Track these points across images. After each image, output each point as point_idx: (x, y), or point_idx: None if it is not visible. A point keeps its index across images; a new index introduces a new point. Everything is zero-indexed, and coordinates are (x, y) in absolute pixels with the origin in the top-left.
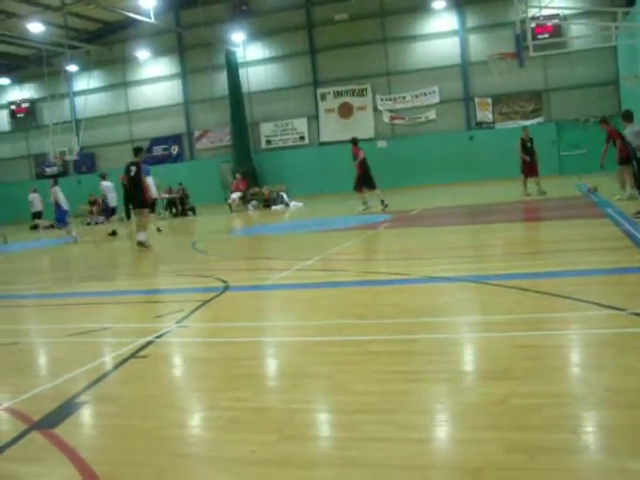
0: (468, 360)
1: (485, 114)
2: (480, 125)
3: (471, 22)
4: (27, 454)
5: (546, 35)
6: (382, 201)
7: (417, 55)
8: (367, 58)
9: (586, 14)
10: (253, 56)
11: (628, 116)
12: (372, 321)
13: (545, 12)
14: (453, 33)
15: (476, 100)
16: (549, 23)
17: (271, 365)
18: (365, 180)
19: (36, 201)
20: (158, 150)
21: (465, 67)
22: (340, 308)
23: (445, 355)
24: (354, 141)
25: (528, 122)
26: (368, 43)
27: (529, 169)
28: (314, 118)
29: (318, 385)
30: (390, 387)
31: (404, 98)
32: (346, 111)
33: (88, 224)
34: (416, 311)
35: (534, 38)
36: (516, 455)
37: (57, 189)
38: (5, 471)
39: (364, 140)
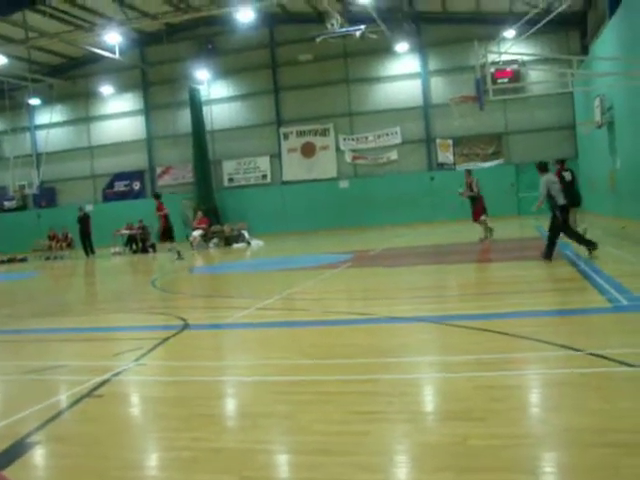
0: (428, 401)
1: (446, 155)
2: (441, 166)
3: (433, 65)
4: None
5: (506, 80)
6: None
7: (380, 96)
8: (330, 98)
9: (544, 60)
10: (217, 94)
11: (542, 167)
12: (332, 361)
13: (505, 57)
14: (415, 75)
15: (437, 141)
16: (508, 68)
17: (230, 405)
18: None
19: None
20: (120, 186)
21: (427, 109)
22: (300, 348)
23: (406, 396)
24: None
25: (487, 164)
26: (331, 83)
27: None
28: (277, 157)
29: (278, 425)
30: (350, 427)
31: (366, 138)
32: (309, 150)
33: (47, 258)
34: (376, 351)
35: (494, 82)
36: None
37: None
38: None
39: (326, 180)
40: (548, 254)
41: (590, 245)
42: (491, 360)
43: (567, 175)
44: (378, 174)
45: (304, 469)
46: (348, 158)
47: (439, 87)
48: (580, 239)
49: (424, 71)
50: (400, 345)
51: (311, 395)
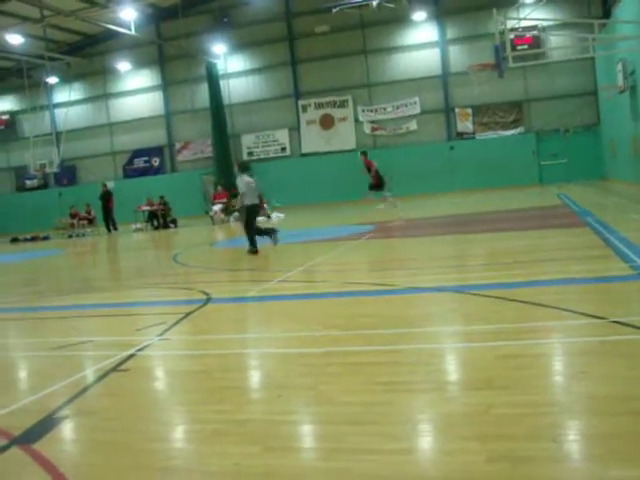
0: (451, 370)
1: (465, 124)
2: (461, 135)
3: (451, 33)
4: (7, 470)
5: (525, 46)
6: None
7: (398, 66)
8: (348, 69)
9: (564, 25)
10: (234, 68)
11: (242, 166)
12: (355, 332)
13: (524, 24)
14: (433, 44)
15: (456, 111)
16: (528, 34)
17: (254, 377)
18: (378, 187)
19: None
20: (139, 162)
21: (445, 78)
22: (323, 319)
23: (428, 365)
24: (364, 153)
25: (508, 132)
26: (349, 55)
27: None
28: (295, 129)
29: (302, 396)
30: (374, 398)
31: (385, 109)
32: (327, 122)
33: (70, 236)
34: (399, 321)
35: (513, 49)
36: (499, 464)
37: None
38: None
39: (345, 151)
40: (253, 248)
41: (270, 233)
42: (513, 329)
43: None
44: (397, 145)
45: (329, 440)
46: (367, 129)
47: (457, 55)
48: (252, 240)
49: (442, 40)
50: (422, 315)
51: (335, 366)
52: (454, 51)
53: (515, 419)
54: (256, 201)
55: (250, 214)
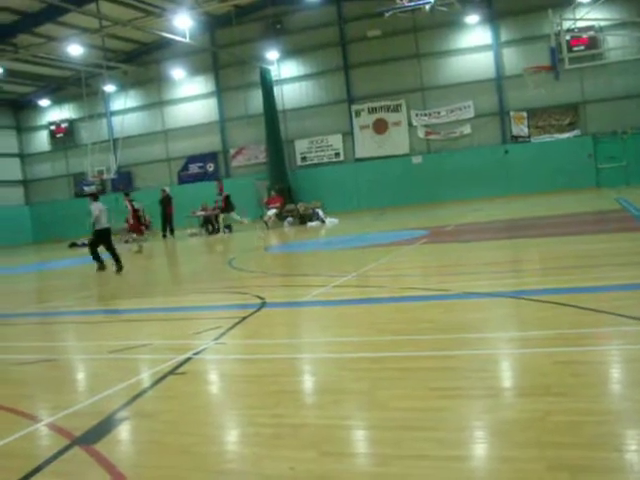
0: (507, 376)
1: (520, 128)
2: (515, 139)
3: (505, 36)
4: (69, 469)
5: (582, 47)
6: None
7: (451, 70)
8: (401, 74)
9: (622, 25)
10: (287, 73)
11: (94, 196)
12: (410, 337)
13: (580, 24)
14: (487, 47)
15: (511, 114)
16: (585, 35)
17: (309, 382)
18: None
19: None
20: (194, 168)
21: (500, 81)
22: (377, 324)
23: (484, 371)
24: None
25: (564, 135)
26: (402, 59)
27: None
28: (349, 134)
29: (357, 401)
30: (429, 403)
31: (439, 113)
32: (381, 127)
33: (126, 242)
34: (454, 327)
35: (570, 50)
36: (558, 473)
37: None
38: None
39: (399, 156)
40: (99, 264)
41: (100, 265)
42: (570, 335)
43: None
44: (451, 149)
45: (383, 445)
46: (421, 133)
47: (512, 58)
48: (96, 258)
49: (496, 42)
50: (477, 320)
51: (389, 371)
52: (508, 54)
53: (574, 427)
54: (107, 225)
55: (100, 237)
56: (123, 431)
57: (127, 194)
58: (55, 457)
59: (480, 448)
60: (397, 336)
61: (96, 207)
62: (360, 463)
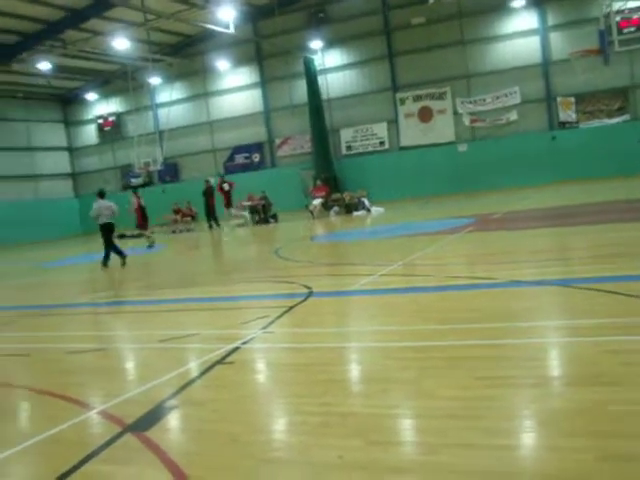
0: (556, 365)
1: (568, 114)
2: (563, 125)
3: (552, 20)
4: (122, 456)
5: (632, 29)
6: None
7: (497, 56)
8: (446, 61)
9: None
10: (331, 62)
11: (100, 193)
12: (457, 326)
13: (631, 4)
14: (533, 32)
15: (558, 99)
16: (635, 16)
17: (356, 370)
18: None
19: None
20: (240, 158)
21: (546, 66)
22: (424, 313)
23: (532, 360)
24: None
25: (613, 120)
26: (446, 46)
27: None
28: (394, 123)
29: (404, 390)
30: (476, 392)
31: (484, 100)
32: (426, 115)
33: (173, 232)
34: (501, 316)
35: (619, 33)
36: (609, 463)
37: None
38: (101, 472)
39: (444, 144)
40: (105, 262)
41: (105, 261)
42: (620, 323)
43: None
44: (497, 136)
45: (430, 434)
46: (466, 121)
47: (559, 42)
48: (106, 256)
49: (542, 27)
50: (525, 309)
51: (436, 360)
52: (555, 38)
53: (624, 416)
54: (106, 220)
55: (105, 231)
56: (173, 419)
57: (135, 191)
58: (108, 444)
59: (527, 437)
60: (444, 325)
61: (98, 205)
62: (407, 452)
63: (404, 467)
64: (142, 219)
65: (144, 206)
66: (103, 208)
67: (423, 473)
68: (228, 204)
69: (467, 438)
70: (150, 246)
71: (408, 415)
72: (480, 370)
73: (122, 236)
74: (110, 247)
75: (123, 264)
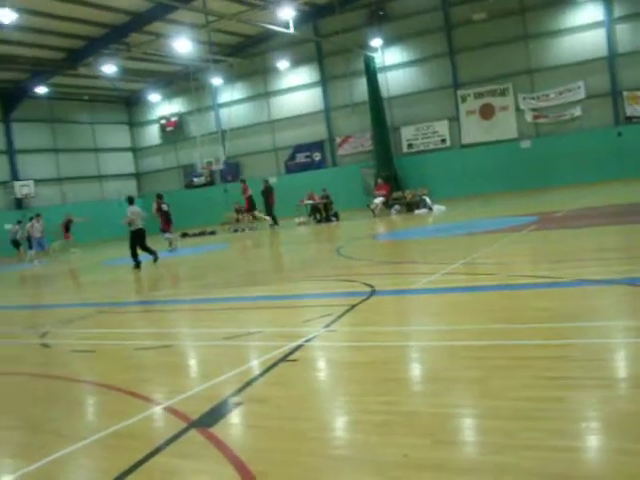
0: (623, 366)
1: (635, 108)
2: (630, 120)
3: (618, 11)
4: (187, 451)
5: None
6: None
7: (560, 50)
8: (508, 56)
9: None
10: (392, 60)
11: (130, 199)
12: (522, 325)
13: None
14: (599, 24)
15: (625, 94)
16: None
17: (420, 369)
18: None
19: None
20: (301, 157)
21: (612, 59)
22: (488, 312)
23: (600, 361)
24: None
25: None
26: (508, 41)
27: None
28: (455, 120)
29: (469, 390)
30: (544, 393)
31: (547, 96)
32: (487, 112)
33: (235, 231)
34: (567, 315)
35: None
36: None
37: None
38: (168, 466)
39: (507, 141)
40: (136, 264)
41: (137, 264)
42: None
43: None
44: (561, 132)
45: (496, 434)
46: (529, 117)
47: (626, 34)
48: (134, 255)
49: (608, 19)
50: (591, 308)
51: (502, 360)
52: (622, 30)
53: None
54: (140, 226)
55: (135, 237)
56: (237, 415)
57: (160, 197)
58: (173, 439)
59: (596, 440)
60: (508, 324)
61: (130, 211)
62: (472, 452)
63: (470, 467)
64: (165, 223)
65: (166, 210)
66: (136, 214)
67: (488, 474)
68: (166, 226)
69: (533, 439)
70: (171, 250)
71: (473, 415)
72: (546, 370)
73: (185, 235)
74: (147, 249)
75: (136, 267)
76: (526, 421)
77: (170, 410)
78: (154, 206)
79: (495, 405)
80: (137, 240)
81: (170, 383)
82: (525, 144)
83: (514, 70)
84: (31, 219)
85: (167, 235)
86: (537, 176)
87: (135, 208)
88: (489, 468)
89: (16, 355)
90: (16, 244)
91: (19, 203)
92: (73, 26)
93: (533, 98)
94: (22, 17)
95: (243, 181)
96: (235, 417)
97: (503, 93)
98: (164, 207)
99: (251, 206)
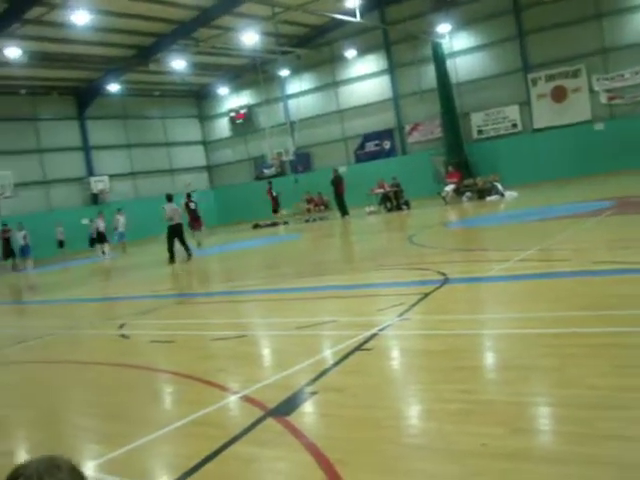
0: None
1: None
2: None
3: None
4: (265, 439)
5: None
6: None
7: (635, 28)
8: (580, 37)
9: None
10: (460, 46)
11: (168, 197)
12: (600, 313)
13: None
14: None
15: None
16: None
17: (495, 357)
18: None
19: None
20: (370, 146)
21: None
22: (564, 299)
23: None
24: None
25: None
26: (580, 21)
27: None
28: (526, 104)
29: (547, 378)
30: (624, 382)
31: (622, 76)
32: (559, 95)
33: (306, 221)
34: None
35: None
36: None
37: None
38: (245, 454)
39: (579, 124)
40: (171, 258)
41: (172, 258)
42: None
43: (192, 205)
44: (638, 113)
45: (575, 423)
46: (603, 99)
47: None
48: (170, 250)
49: None
50: None
51: (580, 348)
52: None
53: None
54: (179, 221)
55: (173, 232)
56: (313, 404)
57: (189, 195)
58: (250, 427)
59: None
60: (585, 311)
61: (168, 207)
62: (551, 441)
63: (549, 457)
64: (193, 220)
65: (194, 208)
66: (174, 210)
67: (568, 463)
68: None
69: (613, 429)
70: (198, 245)
71: (551, 404)
72: (625, 358)
73: (256, 226)
74: (184, 243)
75: (188, 257)
76: (605, 410)
77: (247, 399)
78: (182, 204)
79: (572, 394)
80: (174, 235)
81: (246, 372)
82: (599, 126)
83: (587, 50)
84: (119, 210)
85: (196, 233)
86: (612, 159)
87: (173, 205)
88: (569, 458)
89: (96, 346)
90: (100, 237)
91: (95, 198)
92: (143, 24)
93: (607, 79)
94: (94, 17)
95: (269, 182)
96: (311, 406)
97: (575, 75)
98: (192, 205)
99: (276, 206)
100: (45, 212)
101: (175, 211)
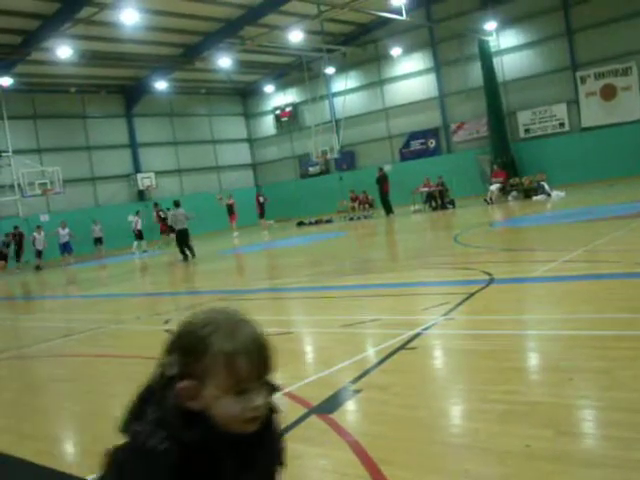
0: None
1: None
2: None
3: None
4: (308, 436)
5: None
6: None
7: None
8: (630, 34)
9: None
10: (506, 43)
11: (175, 203)
12: None
13: None
14: None
15: None
16: None
17: (542, 359)
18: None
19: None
20: (415, 144)
21: None
22: (612, 301)
23: None
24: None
25: None
26: (630, 17)
27: None
28: (574, 103)
29: (594, 381)
30: None
31: None
32: (609, 93)
33: (351, 219)
34: None
35: None
36: None
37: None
38: (289, 450)
39: (630, 123)
40: (184, 258)
41: (184, 257)
42: None
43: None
44: None
45: (624, 427)
46: None
47: None
48: (182, 252)
49: None
50: None
51: (629, 350)
52: None
53: None
54: (184, 227)
55: (180, 236)
56: (357, 402)
57: (156, 204)
58: (294, 424)
59: None
60: (635, 314)
61: (173, 212)
62: (598, 445)
63: (595, 461)
64: (163, 227)
65: (164, 217)
66: (179, 215)
67: (615, 469)
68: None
69: None
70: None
71: (599, 407)
72: None
73: (300, 223)
74: (189, 247)
75: (192, 257)
76: None
77: (291, 396)
78: (153, 214)
79: (621, 397)
80: (182, 238)
81: (290, 369)
82: None
83: (637, 48)
84: (173, 207)
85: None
86: None
87: (179, 210)
88: (616, 463)
89: (142, 341)
90: (138, 234)
91: (141, 195)
92: (190, 22)
93: None
94: (143, 17)
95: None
96: (354, 404)
97: (625, 72)
98: (161, 214)
99: (262, 212)
100: (91, 208)
101: (181, 216)
